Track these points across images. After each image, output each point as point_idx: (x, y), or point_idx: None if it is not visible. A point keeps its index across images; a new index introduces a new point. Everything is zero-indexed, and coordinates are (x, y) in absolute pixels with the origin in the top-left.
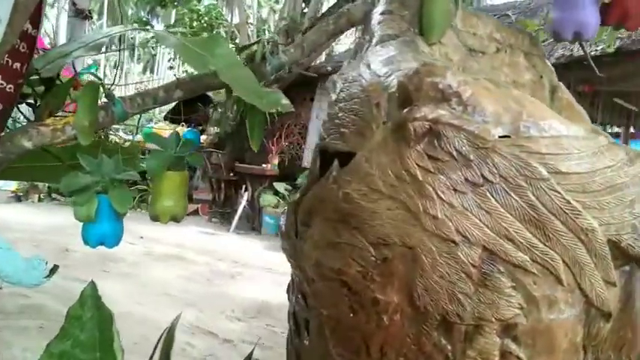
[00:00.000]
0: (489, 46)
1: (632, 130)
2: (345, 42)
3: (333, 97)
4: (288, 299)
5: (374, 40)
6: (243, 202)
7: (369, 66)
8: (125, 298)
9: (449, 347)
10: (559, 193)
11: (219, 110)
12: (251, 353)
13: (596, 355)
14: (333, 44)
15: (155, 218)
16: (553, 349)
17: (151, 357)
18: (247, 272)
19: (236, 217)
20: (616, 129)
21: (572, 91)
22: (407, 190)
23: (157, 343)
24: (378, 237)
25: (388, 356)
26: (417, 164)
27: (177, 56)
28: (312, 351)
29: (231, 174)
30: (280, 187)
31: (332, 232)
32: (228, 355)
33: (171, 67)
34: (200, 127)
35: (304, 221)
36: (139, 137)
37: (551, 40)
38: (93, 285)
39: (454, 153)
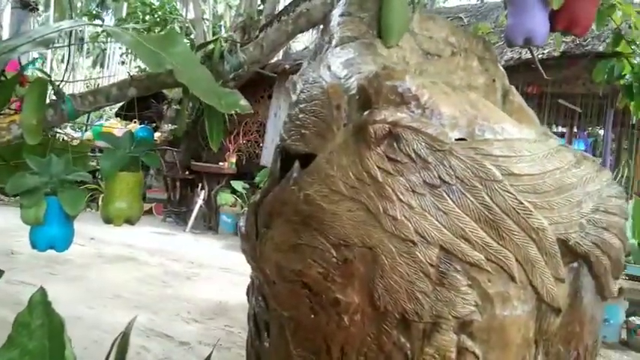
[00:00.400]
0: (445, 50)
1: (575, 129)
2: (302, 40)
3: (294, 98)
4: (248, 301)
5: (333, 42)
6: (200, 201)
7: (329, 67)
8: (75, 302)
9: (408, 345)
10: (512, 193)
11: (174, 107)
12: (210, 355)
13: (546, 348)
14: (290, 42)
15: (108, 221)
16: (507, 344)
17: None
18: (204, 273)
19: (192, 217)
20: (561, 129)
21: (520, 92)
22: (367, 191)
23: (111, 348)
24: (339, 238)
25: (349, 356)
26: (377, 166)
27: (130, 51)
28: (272, 353)
29: (187, 172)
30: (238, 185)
31: (293, 234)
32: (185, 358)
33: (122, 63)
34: (154, 125)
35: (265, 223)
36: (89, 134)
37: (502, 42)
38: (42, 291)
39: (413, 155)
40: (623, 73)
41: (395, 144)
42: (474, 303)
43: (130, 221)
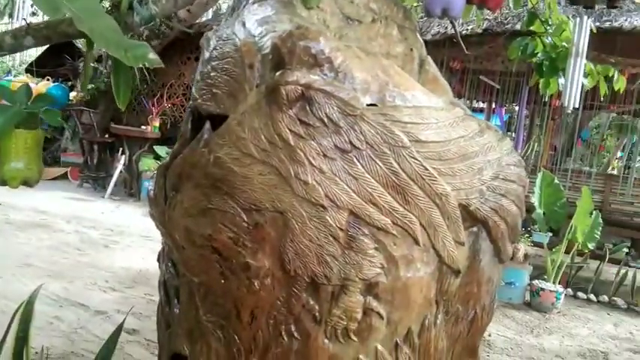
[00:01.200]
0: (366, 16)
1: (493, 105)
2: None
3: (206, 54)
4: (159, 268)
5: None
6: (120, 166)
7: (244, 24)
8: None
9: (317, 307)
10: (418, 160)
11: (91, 64)
12: (122, 322)
13: (446, 308)
14: (220, 1)
15: (2, 183)
16: (409, 304)
17: (6, 331)
18: (124, 240)
19: (111, 183)
20: (481, 104)
21: (445, 66)
22: (279, 154)
23: (13, 316)
24: (250, 202)
25: (259, 320)
26: (289, 129)
27: None
28: (182, 319)
29: (106, 135)
30: (162, 150)
31: (202, 198)
32: (102, 327)
33: (34, 14)
34: (69, 83)
35: (174, 186)
36: None
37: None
38: None
39: (325, 119)
40: (535, 52)
41: (307, 107)
42: (380, 265)
43: (29, 183)
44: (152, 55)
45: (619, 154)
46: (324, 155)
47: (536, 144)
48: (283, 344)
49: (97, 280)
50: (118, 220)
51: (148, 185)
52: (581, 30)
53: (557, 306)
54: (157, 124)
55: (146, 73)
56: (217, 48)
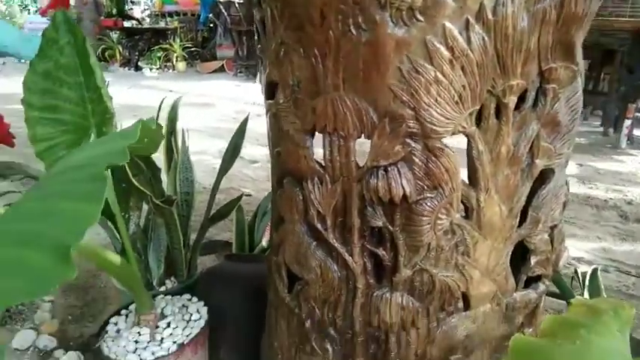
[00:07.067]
0: None
1: None
2: None
3: None
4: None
5: None
6: None
7: None
8: None
9: None
10: None
11: None
12: None
13: None
14: None
15: None
16: None
17: (158, 116)
18: None
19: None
20: None
21: None
22: None
23: (159, 109)
24: None
25: (328, 18)
26: None
27: None
28: (270, 46)
29: (252, 25)
30: None
31: None
32: (255, 172)
33: None
34: None
35: None
36: None
37: None
38: (64, 13)
39: None
40: None
41: None
42: None
43: None
44: None
45: None
46: None
47: None
48: (352, 38)
49: (251, 139)
50: None
51: None
52: None
53: None
54: None
55: None
56: None
